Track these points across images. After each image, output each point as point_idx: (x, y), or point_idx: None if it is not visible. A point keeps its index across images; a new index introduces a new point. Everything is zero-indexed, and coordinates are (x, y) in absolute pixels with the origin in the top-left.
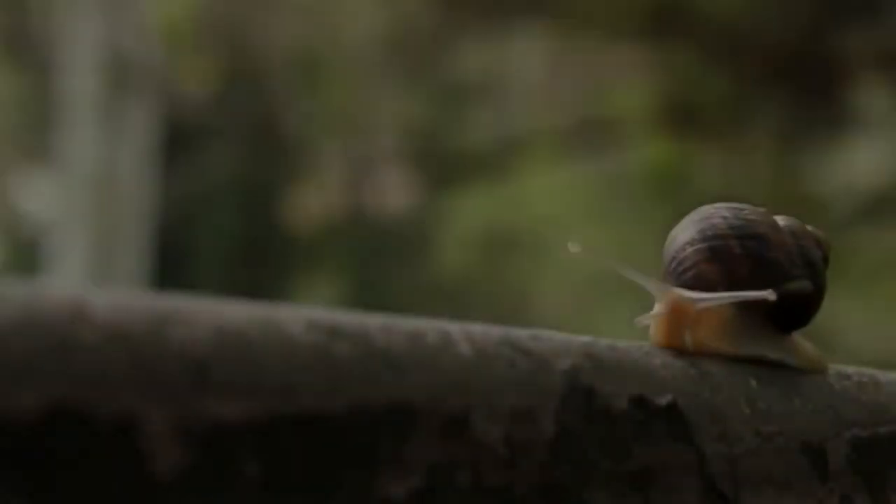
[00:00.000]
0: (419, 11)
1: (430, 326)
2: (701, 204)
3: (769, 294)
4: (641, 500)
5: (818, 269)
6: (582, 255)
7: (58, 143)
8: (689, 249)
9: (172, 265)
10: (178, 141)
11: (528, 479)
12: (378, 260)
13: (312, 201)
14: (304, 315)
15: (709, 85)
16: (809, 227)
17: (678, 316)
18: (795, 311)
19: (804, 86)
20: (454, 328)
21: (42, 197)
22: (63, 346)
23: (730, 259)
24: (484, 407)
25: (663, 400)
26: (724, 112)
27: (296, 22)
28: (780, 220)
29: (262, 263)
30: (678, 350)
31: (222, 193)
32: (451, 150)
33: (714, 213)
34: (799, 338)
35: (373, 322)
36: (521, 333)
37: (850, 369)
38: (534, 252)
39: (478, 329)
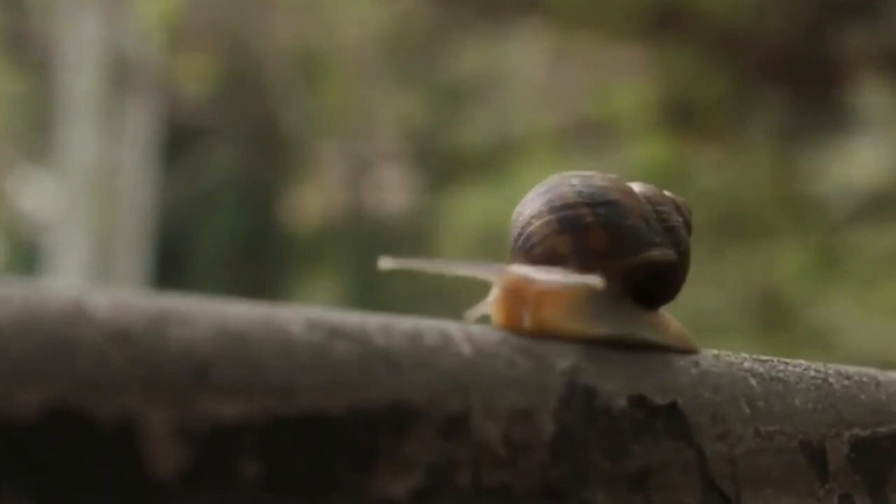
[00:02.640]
0: (418, 11)
1: (429, 326)
2: (701, 204)
3: (596, 280)
4: (641, 500)
5: (680, 236)
6: (399, 267)
7: (58, 143)
8: (537, 223)
9: (172, 265)
10: (178, 141)
11: (527, 479)
12: (377, 260)
13: (311, 201)
14: (304, 315)
15: (708, 85)
16: (668, 192)
17: (515, 296)
18: (658, 282)
19: (803, 86)
20: (454, 328)
21: (42, 197)
22: (63, 346)
23: (581, 229)
24: (483, 407)
25: (663, 400)
26: (723, 112)
27: (295, 22)
28: (635, 185)
29: (261, 263)
30: (518, 332)
31: (222, 193)
32: (449, 150)
33: (561, 182)
34: (665, 314)
35: (372, 322)
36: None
37: (851, 369)
38: None
39: (477, 329)
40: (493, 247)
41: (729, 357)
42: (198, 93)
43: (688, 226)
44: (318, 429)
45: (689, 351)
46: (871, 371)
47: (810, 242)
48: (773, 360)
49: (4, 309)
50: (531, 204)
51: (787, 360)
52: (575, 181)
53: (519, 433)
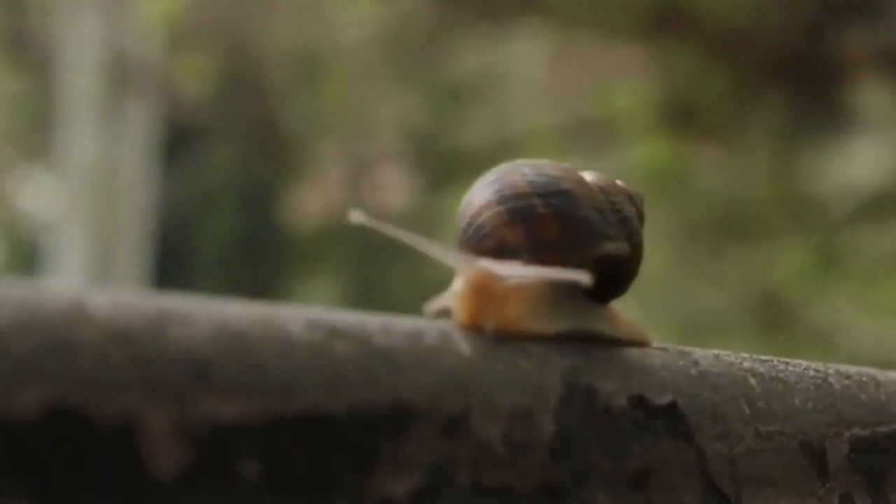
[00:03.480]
0: (418, 11)
1: (429, 326)
2: (701, 204)
3: (584, 277)
4: (641, 499)
5: (634, 228)
6: (368, 225)
7: (58, 143)
8: (487, 213)
9: (172, 265)
10: (178, 141)
11: (527, 479)
12: (378, 260)
13: (311, 201)
14: (304, 315)
15: (708, 84)
16: (620, 182)
17: (482, 293)
18: (612, 276)
19: (803, 86)
20: (454, 328)
21: (42, 197)
22: (63, 345)
23: (533, 220)
24: (483, 407)
25: (663, 399)
26: (723, 112)
27: (295, 22)
28: (588, 175)
29: (261, 263)
30: (481, 331)
31: (222, 193)
32: (449, 150)
33: (511, 171)
34: (617, 307)
35: (373, 322)
36: None
37: (851, 369)
38: None
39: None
40: None
41: (729, 357)
42: (198, 93)
43: (641, 217)
44: (318, 429)
45: (641, 344)
46: (871, 371)
47: (810, 242)
48: (773, 360)
49: (4, 309)
50: (480, 193)
51: (787, 360)
52: (526, 170)
53: (519, 433)
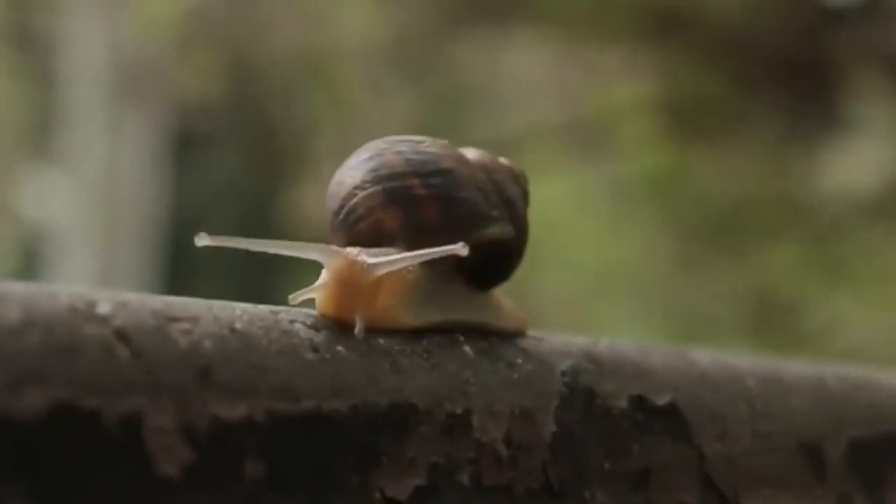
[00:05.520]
0: (418, 15)
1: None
2: (700, 206)
3: (461, 248)
4: (641, 499)
5: (518, 209)
6: (215, 245)
7: (63, 149)
8: (361, 194)
9: (176, 268)
10: (183, 144)
11: (528, 479)
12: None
13: (314, 203)
14: (306, 316)
15: (707, 87)
16: (503, 159)
17: (348, 285)
18: (495, 262)
19: (803, 88)
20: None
21: (48, 200)
22: (70, 346)
23: (412, 202)
24: (485, 407)
25: (663, 400)
26: (723, 114)
27: (297, 27)
28: (468, 151)
29: (265, 266)
30: (350, 325)
31: (226, 195)
32: None
33: (387, 149)
34: (498, 294)
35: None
36: None
37: (848, 370)
38: (533, 254)
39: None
40: None
41: (728, 358)
42: (202, 98)
43: (525, 197)
44: (321, 429)
45: (523, 333)
46: (869, 372)
47: (808, 244)
48: (771, 361)
49: (13, 309)
50: (353, 172)
51: (786, 361)
52: (402, 147)
53: (520, 433)
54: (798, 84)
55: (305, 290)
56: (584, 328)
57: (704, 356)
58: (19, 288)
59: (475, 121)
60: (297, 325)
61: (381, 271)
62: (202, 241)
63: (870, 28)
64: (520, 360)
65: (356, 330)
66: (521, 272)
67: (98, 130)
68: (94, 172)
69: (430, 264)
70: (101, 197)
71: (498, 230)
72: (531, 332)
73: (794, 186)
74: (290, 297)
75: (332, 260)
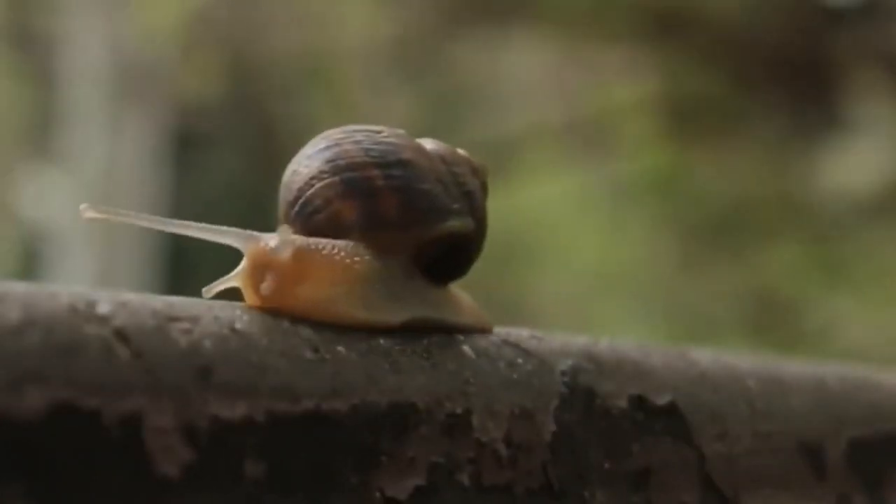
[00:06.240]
0: (418, 15)
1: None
2: (700, 206)
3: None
4: (641, 499)
5: (478, 202)
6: (101, 217)
7: (63, 147)
8: (318, 185)
9: (176, 267)
10: (183, 144)
11: (528, 479)
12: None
13: None
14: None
15: (707, 87)
16: (462, 151)
17: (264, 271)
18: (455, 256)
19: (803, 88)
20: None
21: (48, 200)
22: (70, 346)
23: (371, 194)
24: (485, 407)
25: (663, 400)
26: (723, 114)
27: (298, 28)
28: (428, 143)
29: None
30: (280, 312)
31: (226, 195)
32: None
33: (344, 139)
34: (456, 290)
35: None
36: (521, 334)
37: (848, 369)
38: (533, 254)
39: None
40: (494, 248)
41: (728, 357)
42: (202, 98)
43: (484, 190)
44: (321, 429)
45: (484, 330)
46: (869, 372)
47: (808, 243)
48: (771, 361)
49: (13, 309)
50: (310, 162)
51: (786, 361)
52: (360, 137)
53: (520, 433)
54: (798, 84)
55: (221, 280)
56: (584, 328)
57: (704, 356)
58: (19, 288)
59: (475, 121)
60: (298, 325)
61: (287, 251)
62: (87, 213)
63: (870, 28)
64: (520, 360)
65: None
66: (521, 272)
67: (98, 130)
68: (94, 172)
69: (386, 256)
70: (101, 197)
71: (458, 223)
72: (532, 332)
73: (794, 186)
74: (204, 289)
75: (248, 245)
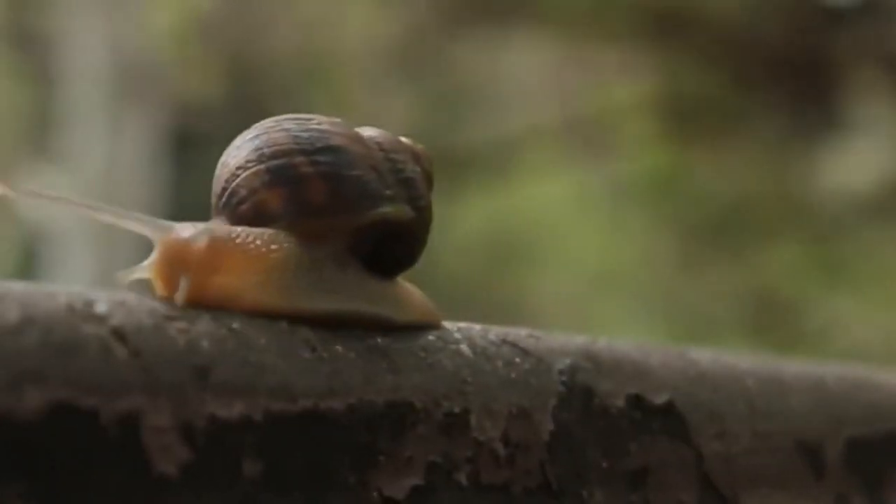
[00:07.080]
0: (418, 15)
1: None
2: (700, 206)
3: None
4: (639, 498)
5: (419, 190)
6: (30, 198)
7: (63, 147)
8: (244, 174)
9: None
10: (183, 144)
11: (526, 478)
12: None
13: None
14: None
15: (707, 87)
16: (405, 139)
17: (175, 261)
18: (392, 245)
19: (803, 88)
20: (454, 328)
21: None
22: (68, 345)
23: (297, 181)
24: (482, 406)
25: (661, 399)
26: (723, 114)
27: (297, 27)
28: (366, 130)
29: None
30: (198, 304)
31: None
32: (450, 155)
33: (273, 127)
34: (405, 283)
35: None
36: (519, 333)
37: (847, 369)
38: (533, 254)
39: (477, 329)
40: (494, 248)
41: (727, 357)
42: (202, 98)
43: (428, 178)
44: (318, 428)
45: (431, 326)
46: (868, 371)
47: (808, 243)
48: (770, 361)
49: (11, 309)
50: (238, 153)
51: (785, 360)
52: (290, 125)
53: (518, 432)
54: (798, 84)
55: (135, 268)
56: (584, 328)
57: (703, 355)
58: (17, 287)
59: (475, 121)
60: (295, 325)
61: (202, 241)
62: (7, 192)
63: (870, 28)
64: (517, 359)
65: (176, 295)
66: (521, 272)
67: (98, 130)
68: (94, 172)
69: (307, 244)
70: (101, 197)
71: (391, 210)
72: (531, 331)
73: (794, 186)
74: (118, 274)
75: (160, 235)
